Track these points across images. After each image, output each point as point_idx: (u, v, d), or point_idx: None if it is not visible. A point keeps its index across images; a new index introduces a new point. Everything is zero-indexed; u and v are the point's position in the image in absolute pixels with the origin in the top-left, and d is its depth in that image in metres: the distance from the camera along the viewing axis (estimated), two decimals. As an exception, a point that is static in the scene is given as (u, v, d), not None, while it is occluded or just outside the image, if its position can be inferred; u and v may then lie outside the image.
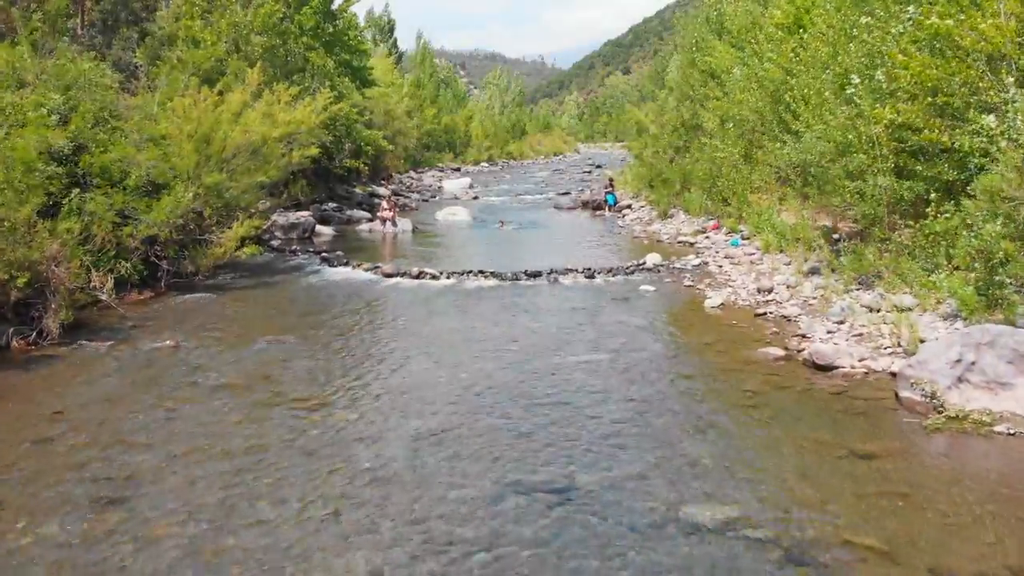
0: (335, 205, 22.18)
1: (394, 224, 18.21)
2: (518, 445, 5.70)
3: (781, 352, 7.91)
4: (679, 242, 15.76)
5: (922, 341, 7.49)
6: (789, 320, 9.29)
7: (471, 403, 6.64)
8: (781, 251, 12.68)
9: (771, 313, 9.61)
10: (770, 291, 10.65)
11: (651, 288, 11.40)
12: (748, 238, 14.33)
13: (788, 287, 10.67)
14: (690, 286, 11.52)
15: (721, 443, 5.76)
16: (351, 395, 6.87)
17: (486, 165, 51.24)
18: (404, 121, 34.31)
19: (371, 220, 19.51)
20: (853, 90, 10.64)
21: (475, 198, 28.72)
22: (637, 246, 15.95)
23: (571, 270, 12.59)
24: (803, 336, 8.49)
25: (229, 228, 11.52)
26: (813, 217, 12.87)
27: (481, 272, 12.44)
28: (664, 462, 5.41)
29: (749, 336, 8.68)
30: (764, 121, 15.55)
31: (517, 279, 12.21)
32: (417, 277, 12.35)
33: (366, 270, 12.97)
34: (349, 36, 23.01)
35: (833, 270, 10.83)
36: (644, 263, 13.04)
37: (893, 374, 7.10)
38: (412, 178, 36.13)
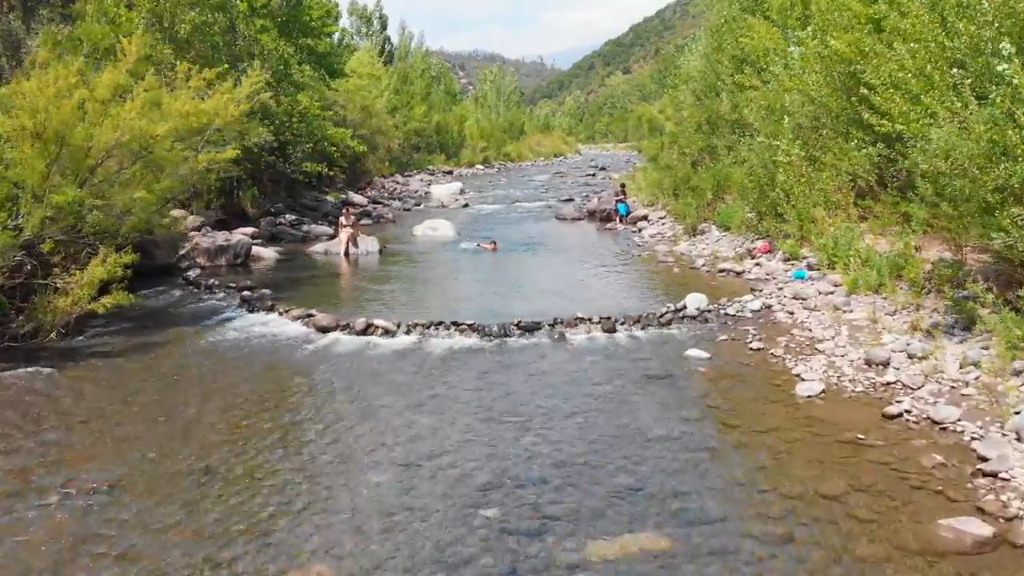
0: (294, 218, 18.55)
1: (355, 245, 14.45)
2: None
3: (986, 530, 4.26)
4: (720, 270, 12.07)
5: None
6: (945, 430, 5.68)
7: None
8: (876, 291, 9.09)
9: (910, 415, 5.98)
10: (886, 364, 7.04)
11: (703, 354, 7.75)
12: (817, 268, 10.72)
13: (912, 358, 7.06)
14: (760, 349, 7.87)
15: None
16: None
17: (481, 167, 47.49)
18: (384, 119, 30.59)
19: (331, 238, 15.80)
20: (1006, 67, 7.05)
21: (465, 206, 25.04)
22: (666, 275, 12.30)
23: (583, 320, 8.98)
24: (995, 476, 4.88)
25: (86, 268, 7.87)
26: (920, 244, 9.29)
27: (455, 324, 8.80)
28: None
29: (898, 475, 5.03)
30: (828, 114, 11.96)
31: (506, 335, 8.61)
32: (364, 332, 8.72)
33: (295, 318, 9.34)
34: (311, 17, 19.36)
35: (970, 326, 7.30)
36: (684, 307, 9.40)
37: None
38: (397, 183, 32.47)
